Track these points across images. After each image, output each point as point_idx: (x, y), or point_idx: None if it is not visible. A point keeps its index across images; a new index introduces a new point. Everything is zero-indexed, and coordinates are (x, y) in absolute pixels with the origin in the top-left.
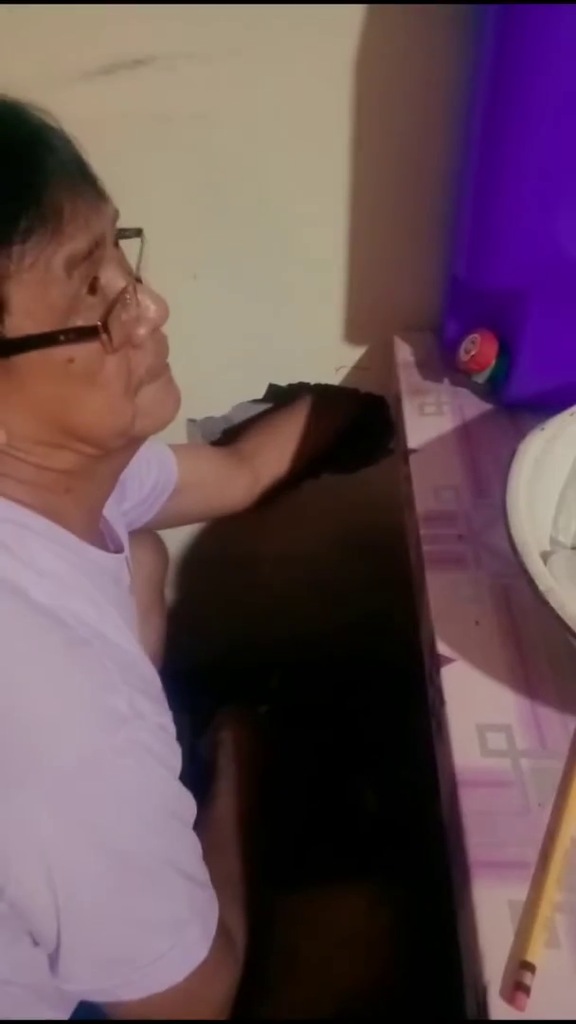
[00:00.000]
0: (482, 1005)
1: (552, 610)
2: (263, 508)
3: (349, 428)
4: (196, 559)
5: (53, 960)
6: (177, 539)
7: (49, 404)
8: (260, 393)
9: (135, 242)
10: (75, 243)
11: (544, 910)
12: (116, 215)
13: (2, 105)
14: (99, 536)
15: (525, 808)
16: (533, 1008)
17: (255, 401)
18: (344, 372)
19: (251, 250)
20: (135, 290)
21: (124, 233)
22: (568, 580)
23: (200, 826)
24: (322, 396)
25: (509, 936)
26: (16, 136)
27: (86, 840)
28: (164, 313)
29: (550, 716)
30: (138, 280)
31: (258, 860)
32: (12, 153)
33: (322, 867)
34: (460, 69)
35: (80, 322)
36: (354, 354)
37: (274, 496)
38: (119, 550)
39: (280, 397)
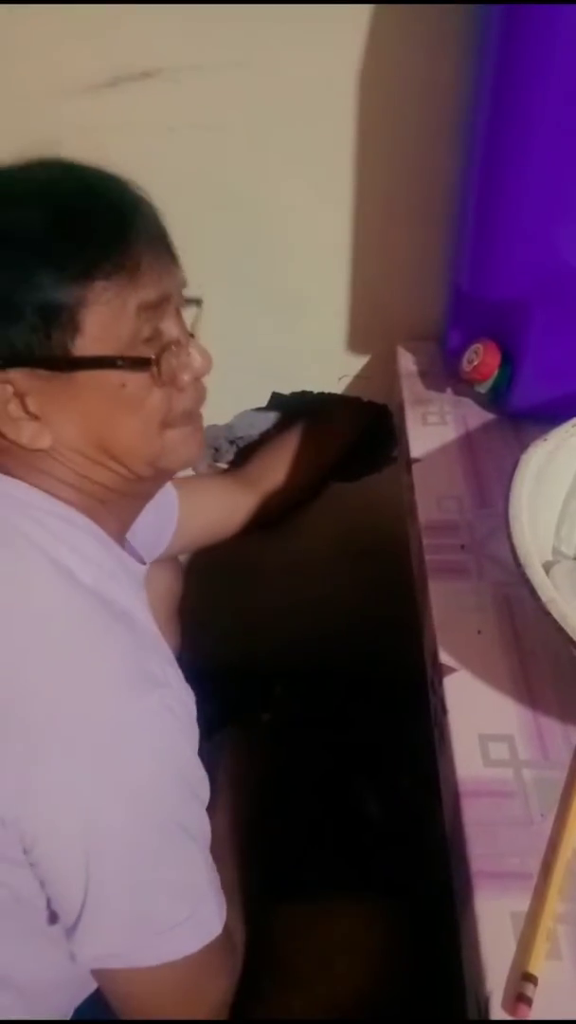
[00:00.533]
0: (484, 1016)
1: (554, 621)
2: (276, 526)
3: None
4: (198, 567)
5: (73, 924)
6: None
7: (95, 420)
8: (263, 402)
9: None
10: (147, 292)
11: (546, 921)
12: (184, 282)
13: (114, 178)
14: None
15: (527, 819)
16: (535, 1020)
17: (258, 410)
18: (347, 381)
19: (255, 260)
20: (187, 342)
21: (187, 302)
22: (570, 591)
23: None
24: (327, 411)
25: (511, 947)
26: (118, 200)
27: (122, 797)
28: (208, 366)
29: (552, 726)
30: (191, 335)
31: (253, 878)
32: (113, 211)
33: (325, 876)
34: (463, 81)
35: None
36: (357, 363)
37: (284, 516)
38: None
39: (283, 406)
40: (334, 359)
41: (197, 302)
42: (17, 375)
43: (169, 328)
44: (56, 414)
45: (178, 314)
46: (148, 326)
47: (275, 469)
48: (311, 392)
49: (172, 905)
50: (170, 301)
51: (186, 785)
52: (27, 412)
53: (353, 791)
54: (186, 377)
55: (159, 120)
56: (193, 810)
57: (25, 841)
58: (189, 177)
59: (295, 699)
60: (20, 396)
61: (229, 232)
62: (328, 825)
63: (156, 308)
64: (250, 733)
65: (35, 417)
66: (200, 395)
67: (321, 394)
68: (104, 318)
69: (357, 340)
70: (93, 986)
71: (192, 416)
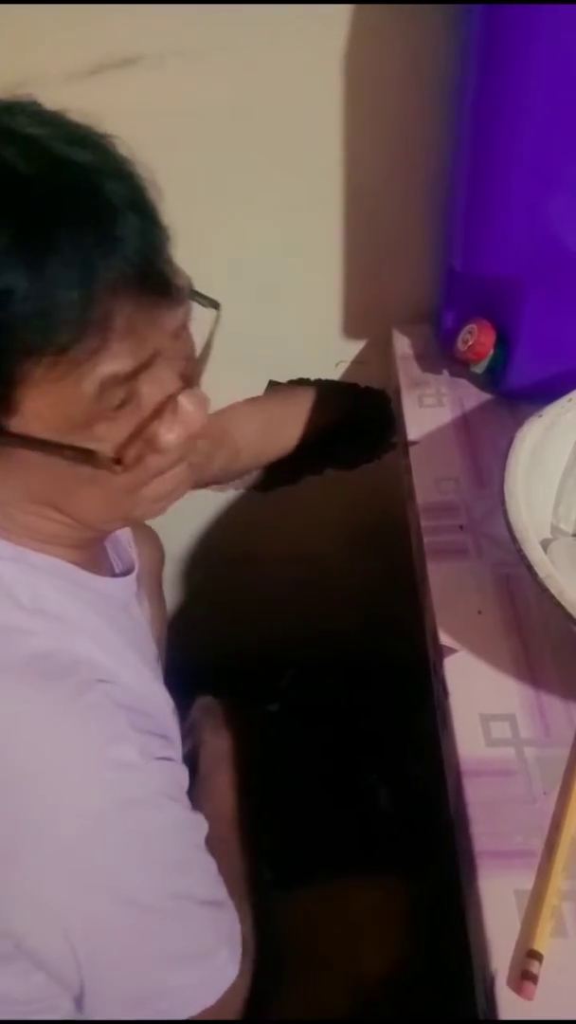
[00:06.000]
0: (489, 994)
1: (552, 597)
2: (253, 488)
3: (347, 424)
4: (202, 558)
5: (79, 1000)
6: (182, 538)
7: (44, 491)
8: (260, 390)
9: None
10: (118, 363)
11: (550, 899)
12: (186, 314)
13: (77, 168)
14: (105, 560)
15: (530, 797)
16: (540, 997)
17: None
18: (344, 367)
19: (247, 247)
20: (176, 394)
21: (206, 302)
22: (569, 567)
23: None
24: (318, 391)
25: (516, 925)
26: (80, 221)
27: (99, 898)
28: (200, 421)
29: (554, 704)
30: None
31: (256, 858)
32: (73, 245)
33: (335, 865)
34: (450, 59)
35: (102, 431)
36: (353, 348)
37: (260, 477)
38: (128, 569)
39: None
40: (330, 345)
41: (215, 305)
42: None
43: (152, 391)
44: None
45: (175, 354)
46: (120, 392)
47: (248, 419)
48: (308, 380)
49: (180, 975)
50: (155, 360)
51: (179, 852)
52: None
53: (363, 780)
54: (171, 437)
55: (142, 107)
56: (190, 869)
57: (12, 938)
58: (174, 164)
59: (303, 689)
60: None
61: (218, 218)
62: (338, 814)
63: (133, 376)
64: (224, 705)
65: None
66: (186, 450)
67: (319, 381)
68: (52, 397)
69: (352, 325)
70: None
71: (173, 468)
